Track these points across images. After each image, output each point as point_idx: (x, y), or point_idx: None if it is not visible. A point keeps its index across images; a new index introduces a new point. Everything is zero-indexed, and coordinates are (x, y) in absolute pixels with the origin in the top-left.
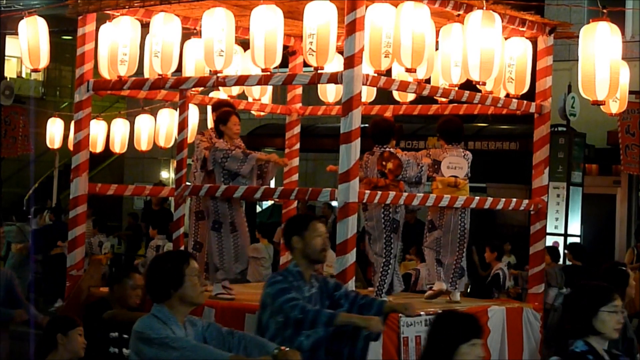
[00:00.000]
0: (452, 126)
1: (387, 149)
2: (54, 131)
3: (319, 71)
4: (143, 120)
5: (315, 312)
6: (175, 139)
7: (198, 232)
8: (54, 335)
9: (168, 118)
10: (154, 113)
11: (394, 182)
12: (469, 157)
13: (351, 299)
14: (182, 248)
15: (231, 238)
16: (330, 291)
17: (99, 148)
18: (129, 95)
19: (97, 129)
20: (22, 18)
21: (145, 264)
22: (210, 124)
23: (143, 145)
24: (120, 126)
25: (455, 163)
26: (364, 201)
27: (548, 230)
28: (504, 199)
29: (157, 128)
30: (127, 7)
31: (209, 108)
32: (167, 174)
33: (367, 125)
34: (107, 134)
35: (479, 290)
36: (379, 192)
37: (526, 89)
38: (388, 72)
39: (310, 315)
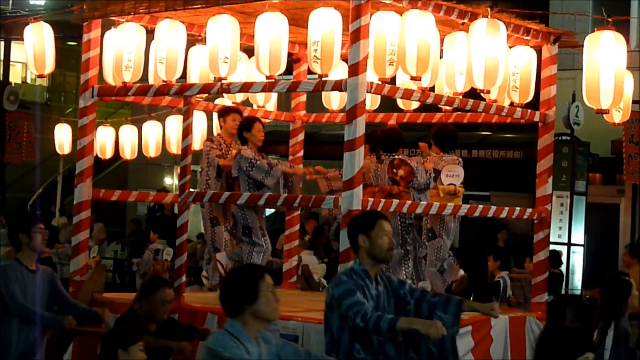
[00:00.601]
0: (449, 134)
1: (397, 156)
2: (62, 137)
3: (324, 78)
4: (150, 127)
5: (377, 318)
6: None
7: (215, 238)
8: (114, 351)
9: (176, 124)
10: (161, 119)
11: (406, 189)
12: (461, 164)
13: (417, 296)
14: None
15: (262, 242)
16: (395, 289)
17: (108, 154)
18: (134, 102)
19: (105, 135)
20: (28, 24)
21: (140, 265)
22: (216, 130)
23: (151, 151)
24: (128, 132)
25: (454, 171)
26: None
27: (551, 239)
28: (507, 208)
29: (167, 135)
30: (132, 13)
31: (214, 115)
32: (171, 180)
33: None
34: (115, 140)
35: (479, 298)
36: (382, 200)
37: (530, 97)
38: (392, 80)
39: (372, 323)
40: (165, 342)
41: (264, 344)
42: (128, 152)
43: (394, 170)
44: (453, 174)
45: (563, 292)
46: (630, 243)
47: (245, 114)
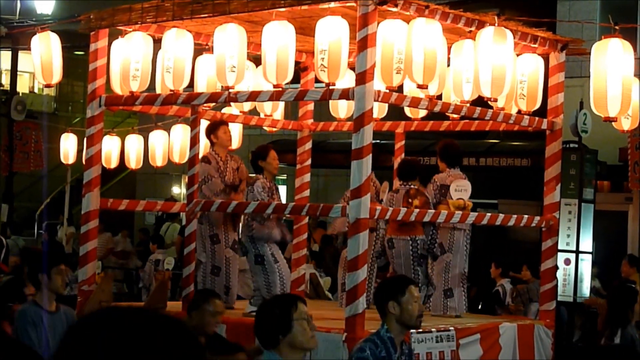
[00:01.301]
0: (454, 150)
1: (413, 186)
2: (68, 146)
3: (331, 87)
4: (157, 136)
5: None
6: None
7: (215, 256)
8: None
9: (181, 134)
10: (167, 129)
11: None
12: (467, 179)
13: None
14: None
15: (275, 269)
16: None
17: (113, 164)
18: (141, 111)
19: (110, 145)
20: (35, 34)
21: (144, 279)
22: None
23: (158, 161)
24: (134, 142)
25: (462, 186)
26: (380, 218)
27: (559, 247)
28: (515, 216)
29: (172, 144)
30: (139, 22)
31: (203, 121)
32: (179, 190)
33: (378, 141)
34: (122, 149)
35: (484, 306)
36: (390, 209)
37: (538, 105)
38: (400, 89)
39: None
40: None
41: None
42: (134, 162)
43: (410, 200)
44: (461, 189)
45: (572, 299)
46: (630, 253)
47: (253, 123)
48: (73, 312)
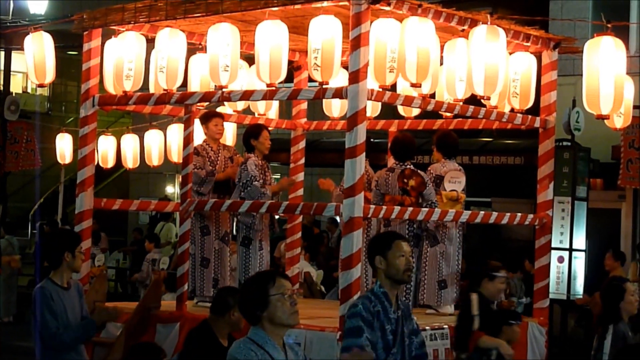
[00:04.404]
0: (451, 140)
1: (408, 166)
2: (64, 146)
3: (324, 86)
4: (152, 136)
5: None
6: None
7: (204, 248)
8: None
9: (178, 133)
10: (162, 128)
11: (418, 200)
12: (463, 172)
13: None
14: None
15: (258, 256)
16: (411, 330)
17: (110, 163)
18: (135, 111)
19: (107, 145)
20: (28, 34)
21: (142, 278)
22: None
23: (154, 160)
24: (129, 141)
25: (455, 177)
26: (373, 216)
27: (553, 245)
28: (509, 214)
29: (169, 143)
30: (132, 22)
31: (197, 121)
32: (173, 189)
33: (371, 139)
34: (117, 149)
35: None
36: (384, 208)
37: (531, 103)
38: (393, 87)
39: None
40: None
41: (291, 352)
42: (130, 161)
43: (405, 180)
44: (455, 181)
45: (565, 297)
46: (614, 247)
47: (247, 122)
48: (79, 283)
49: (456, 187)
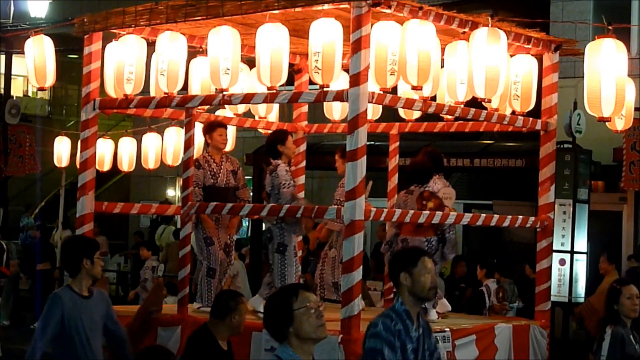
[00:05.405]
0: (439, 157)
1: (427, 189)
2: (61, 150)
3: (325, 89)
4: (150, 139)
5: None
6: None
7: (211, 258)
8: None
9: (175, 136)
10: (160, 131)
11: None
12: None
13: None
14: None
15: (293, 262)
16: (431, 348)
17: (106, 166)
18: (135, 114)
19: (104, 148)
20: (29, 37)
21: (144, 286)
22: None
23: (151, 163)
24: (127, 145)
25: (447, 194)
26: (374, 220)
27: (554, 248)
28: (510, 217)
29: (165, 146)
30: (133, 25)
31: (197, 123)
32: (173, 192)
33: (372, 142)
34: (115, 152)
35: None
36: (385, 210)
37: (532, 106)
38: (394, 90)
39: None
40: None
41: None
42: (126, 164)
43: (424, 202)
44: (447, 197)
45: (567, 300)
46: (608, 250)
47: (247, 125)
48: (104, 292)
49: (448, 203)
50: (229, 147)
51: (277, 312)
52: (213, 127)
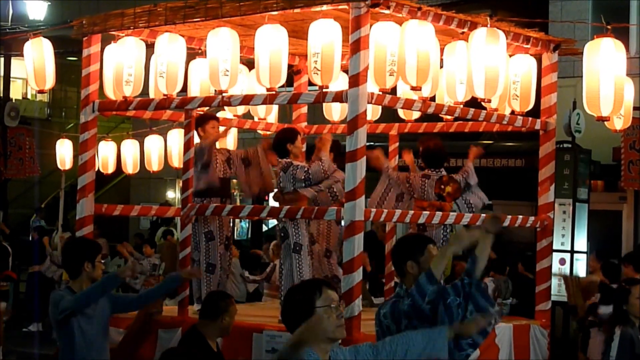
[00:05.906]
0: (437, 149)
1: (445, 173)
2: (64, 152)
3: (324, 90)
4: (152, 141)
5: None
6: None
7: (209, 254)
8: None
9: (178, 138)
10: (162, 133)
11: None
12: None
13: None
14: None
15: (308, 261)
16: None
17: (110, 169)
18: (135, 116)
19: (107, 150)
20: (28, 40)
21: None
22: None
23: (154, 165)
24: (129, 147)
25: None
26: (374, 220)
27: (554, 247)
28: (510, 216)
29: (169, 148)
30: (131, 27)
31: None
32: (173, 194)
33: (372, 143)
34: (117, 154)
35: None
36: (385, 211)
37: (531, 105)
38: (393, 91)
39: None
40: None
41: None
42: (130, 167)
43: (442, 187)
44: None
45: (567, 299)
46: (597, 249)
47: (247, 126)
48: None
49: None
50: (231, 148)
51: (298, 307)
52: (205, 120)
